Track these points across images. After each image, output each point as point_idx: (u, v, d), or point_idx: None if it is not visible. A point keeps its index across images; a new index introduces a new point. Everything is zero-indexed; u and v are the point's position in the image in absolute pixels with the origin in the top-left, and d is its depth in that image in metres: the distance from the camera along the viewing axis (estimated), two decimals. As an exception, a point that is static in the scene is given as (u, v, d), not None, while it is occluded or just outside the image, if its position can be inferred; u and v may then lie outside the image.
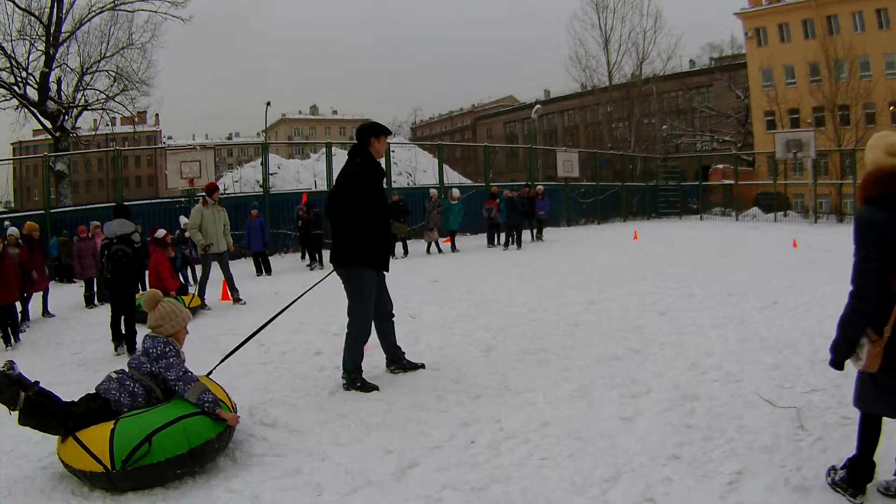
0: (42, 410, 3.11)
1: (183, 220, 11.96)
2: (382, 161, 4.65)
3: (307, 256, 13.94)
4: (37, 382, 3.23)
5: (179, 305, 3.60)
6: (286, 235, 16.78)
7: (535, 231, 16.90)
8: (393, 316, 4.68)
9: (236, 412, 3.46)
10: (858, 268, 2.50)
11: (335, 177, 4.67)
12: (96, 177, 49.81)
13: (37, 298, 8.71)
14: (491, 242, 15.94)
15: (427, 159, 24.89)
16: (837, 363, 2.60)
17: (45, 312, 8.77)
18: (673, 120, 40.14)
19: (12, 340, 6.85)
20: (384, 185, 4.58)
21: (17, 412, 3.11)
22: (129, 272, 6.22)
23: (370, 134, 4.40)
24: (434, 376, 4.56)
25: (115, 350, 6.14)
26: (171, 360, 3.35)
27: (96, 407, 3.22)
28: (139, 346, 6.05)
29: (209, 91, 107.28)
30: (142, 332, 6.31)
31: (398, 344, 4.75)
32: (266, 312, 5.88)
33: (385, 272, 4.50)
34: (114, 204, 14.63)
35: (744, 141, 37.35)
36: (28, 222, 9.08)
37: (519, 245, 15.10)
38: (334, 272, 4.48)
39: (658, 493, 2.75)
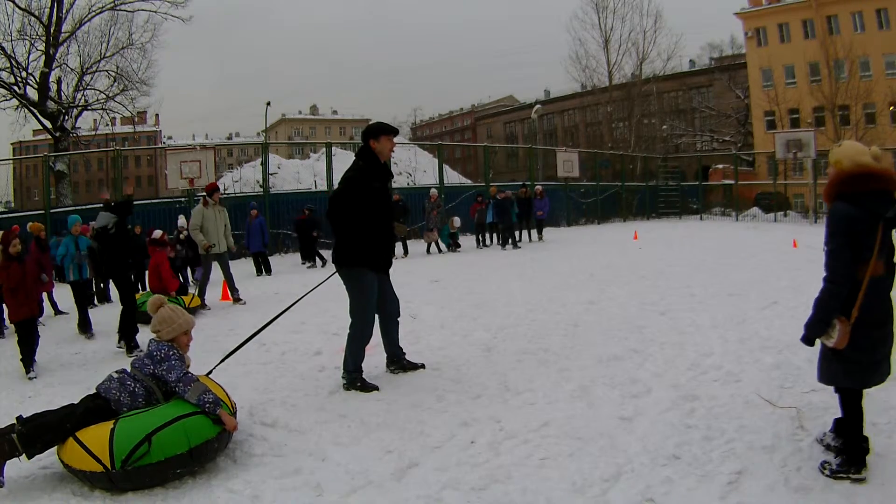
0: (38, 434, 3.09)
1: (181, 221, 11.96)
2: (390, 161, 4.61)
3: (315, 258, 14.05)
4: (19, 417, 3.19)
5: (179, 311, 3.61)
6: (286, 235, 16.79)
7: (533, 231, 16.91)
8: (398, 315, 4.69)
9: (236, 412, 3.47)
10: (834, 256, 2.76)
11: (335, 177, 4.68)
12: (96, 177, 49.74)
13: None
14: (479, 244, 15.88)
15: (427, 159, 24.89)
16: (810, 340, 2.87)
17: (58, 311, 8.79)
18: (673, 120, 40.13)
19: (33, 368, 5.57)
20: (390, 186, 4.54)
21: (24, 455, 3.09)
22: (100, 264, 6.47)
23: (370, 135, 4.38)
24: (434, 376, 4.56)
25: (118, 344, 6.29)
26: (174, 362, 3.37)
27: (95, 407, 3.23)
28: (142, 346, 6.11)
29: (209, 91, 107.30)
30: (143, 332, 6.38)
31: (399, 344, 4.75)
32: (266, 312, 5.89)
33: (382, 273, 4.49)
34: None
35: (744, 141, 37.33)
36: (33, 223, 9.10)
37: (514, 245, 15.16)
38: (336, 273, 4.49)
39: (658, 493, 2.75)
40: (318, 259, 13.29)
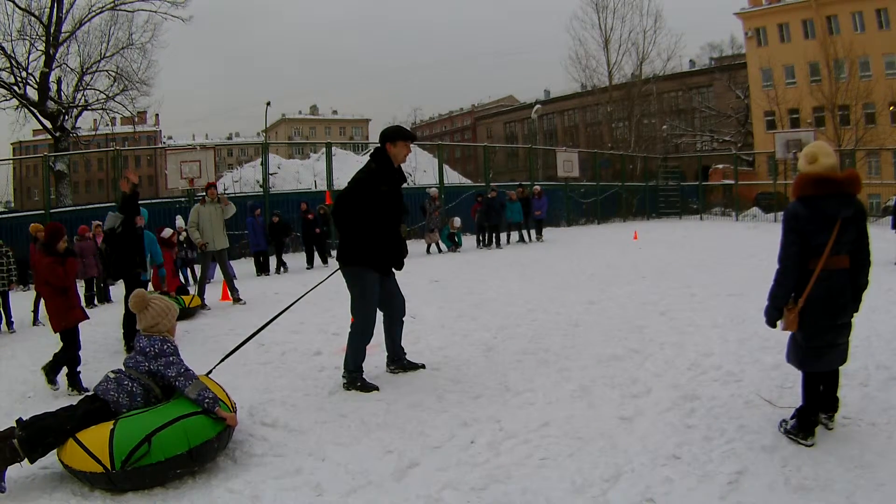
0: (40, 438, 3.07)
1: (179, 221, 11.94)
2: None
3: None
4: (19, 420, 3.16)
5: (167, 300, 3.60)
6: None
7: (530, 231, 16.94)
8: (403, 315, 4.69)
9: (236, 412, 3.47)
10: (784, 250, 3.08)
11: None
12: (96, 177, 49.78)
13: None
14: (479, 244, 15.92)
15: (427, 159, 24.86)
16: (770, 323, 3.22)
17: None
18: (673, 120, 40.11)
19: (79, 385, 4.81)
20: (400, 189, 4.54)
21: (27, 459, 3.07)
22: (110, 265, 6.44)
23: (385, 139, 4.38)
24: (434, 376, 4.55)
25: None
26: (171, 357, 3.36)
27: (95, 409, 3.22)
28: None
29: (209, 91, 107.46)
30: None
31: (401, 344, 4.75)
32: (266, 312, 5.89)
33: (386, 274, 4.49)
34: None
35: (744, 141, 37.32)
36: (33, 224, 9.14)
37: (498, 244, 15.30)
38: (338, 272, 4.50)
39: (658, 493, 2.75)
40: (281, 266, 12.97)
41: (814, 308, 3.04)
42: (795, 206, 3.07)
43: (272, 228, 13.10)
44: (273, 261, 12.87)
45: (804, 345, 3.10)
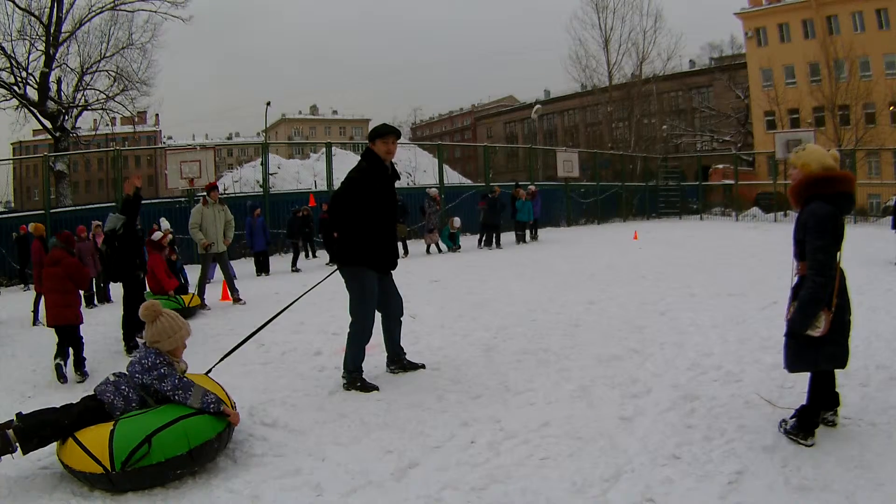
0: (36, 430, 3.07)
1: (164, 224, 11.92)
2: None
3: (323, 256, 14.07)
4: (19, 413, 3.17)
5: (180, 320, 3.53)
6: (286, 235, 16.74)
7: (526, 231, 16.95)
8: (401, 315, 4.70)
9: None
10: (824, 252, 2.96)
11: (335, 177, 4.69)
12: (96, 177, 49.81)
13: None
14: (480, 244, 15.92)
15: (427, 159, 24.91)
16: (798, 334, 3.04)
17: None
18: (673, 120, 40.10)
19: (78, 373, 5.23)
20: (393, 186, 4.58)
21: (20, 450, 3.07)
22: (109, 266, 6.52)
23: (372, 136, 4.42)
24: (434, 376, 4.56)
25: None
26: (163, 370, 3.30)
27: (93, 407, 3.22)
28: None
29: (209, 91, 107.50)
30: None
31: (401, 344, 4.75)
32: (266, 312, 5.89)
33: (384, 273, 4.49)
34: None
35: (744, 141, 37.33)
36: (34, 223, 9.20)
37: (498, 244, 15.27)
38: (336, 272, 4.50)
39: (658, 493, 2.75)
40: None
41: (843, 305, 3.05)
42: (825, 205, 3.00)
43: (295, 222, 13.53)
44: (273, 261, 12.88)
45: (842, 342, 3.05)
